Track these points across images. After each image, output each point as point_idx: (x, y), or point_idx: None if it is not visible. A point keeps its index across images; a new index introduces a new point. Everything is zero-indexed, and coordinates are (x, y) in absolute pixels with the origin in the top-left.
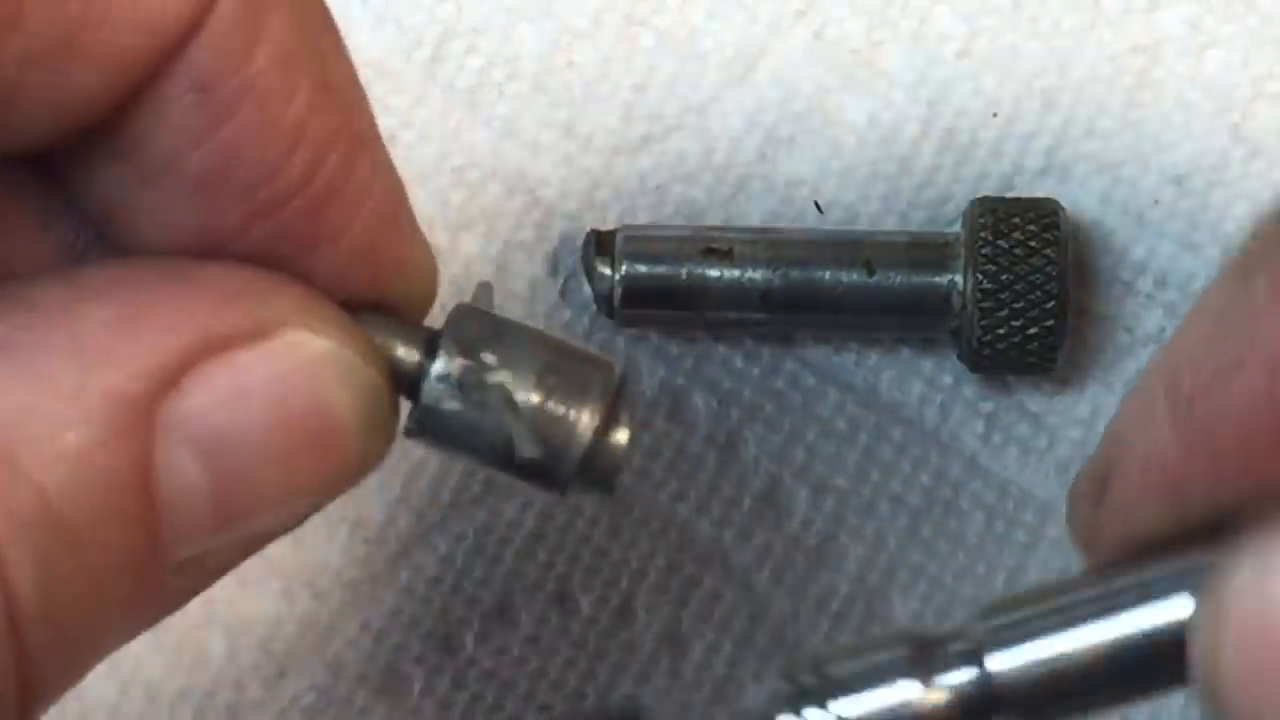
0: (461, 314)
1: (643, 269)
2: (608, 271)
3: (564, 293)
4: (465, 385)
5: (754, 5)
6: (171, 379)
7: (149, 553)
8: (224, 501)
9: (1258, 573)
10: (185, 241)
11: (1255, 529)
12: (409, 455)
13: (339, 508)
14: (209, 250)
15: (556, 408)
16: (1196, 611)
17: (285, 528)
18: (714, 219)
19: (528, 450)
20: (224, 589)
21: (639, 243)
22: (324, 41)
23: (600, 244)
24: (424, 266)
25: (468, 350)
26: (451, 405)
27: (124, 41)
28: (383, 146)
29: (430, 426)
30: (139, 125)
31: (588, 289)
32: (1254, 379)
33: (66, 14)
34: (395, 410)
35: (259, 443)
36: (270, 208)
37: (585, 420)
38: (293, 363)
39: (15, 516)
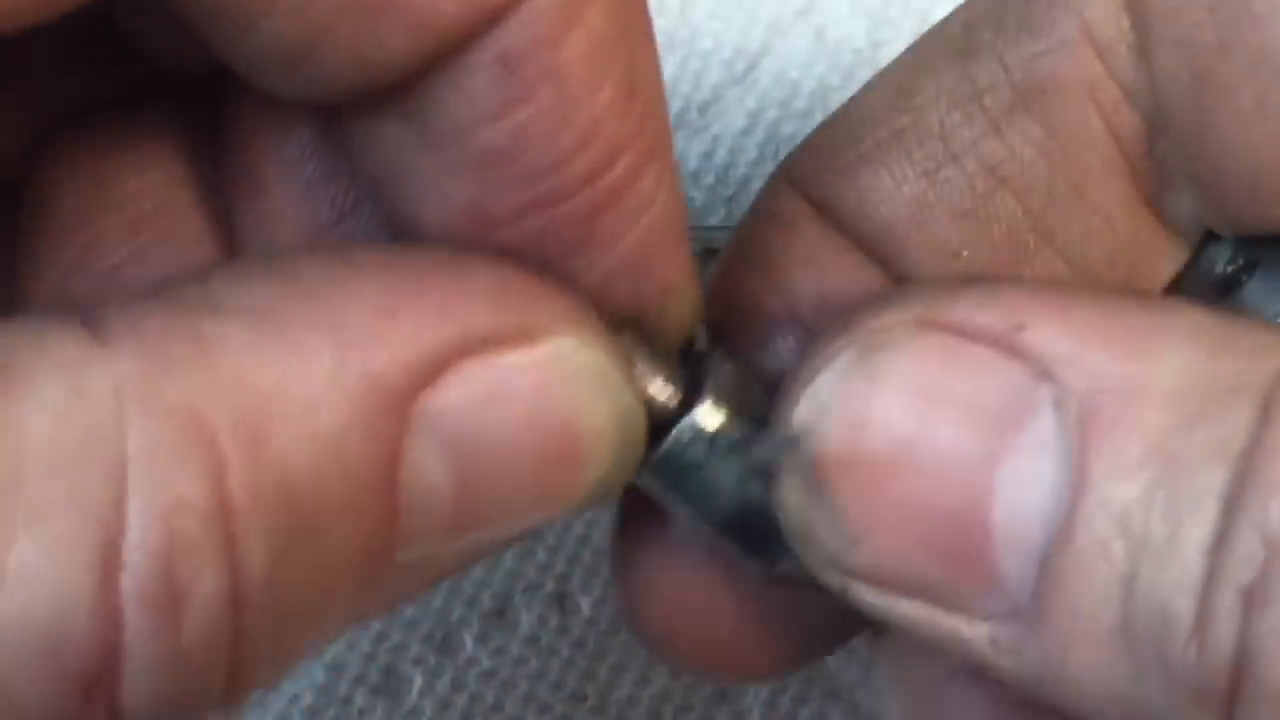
0: (722, 369)
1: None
2: None
3: None
4: (718, 444)
5: (755, 5)
6: (431, 373)
7: (380, 550)
8: (464, 506)
9: (858, 363)
10: (455, 220)
11: (854, 324)
12: None
13: None
14: (477, 233)
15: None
16: (789, 404)
17: (509, 542)
18: (714, 219)
19: (787, 562)
20: None
21: None
22: (637, 41)
23: None
24: (688, 295)
25: (730, 407)
26: (696, 458)
27: (443, 7)
28: (672, 161)
29: (665, 471)
30: (437, 90)
31: None
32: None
33: None
34: (646, 443)
35: (510, 451)
36: (549, 199)
37: None
38: (557, 372)
39: (258, 495)
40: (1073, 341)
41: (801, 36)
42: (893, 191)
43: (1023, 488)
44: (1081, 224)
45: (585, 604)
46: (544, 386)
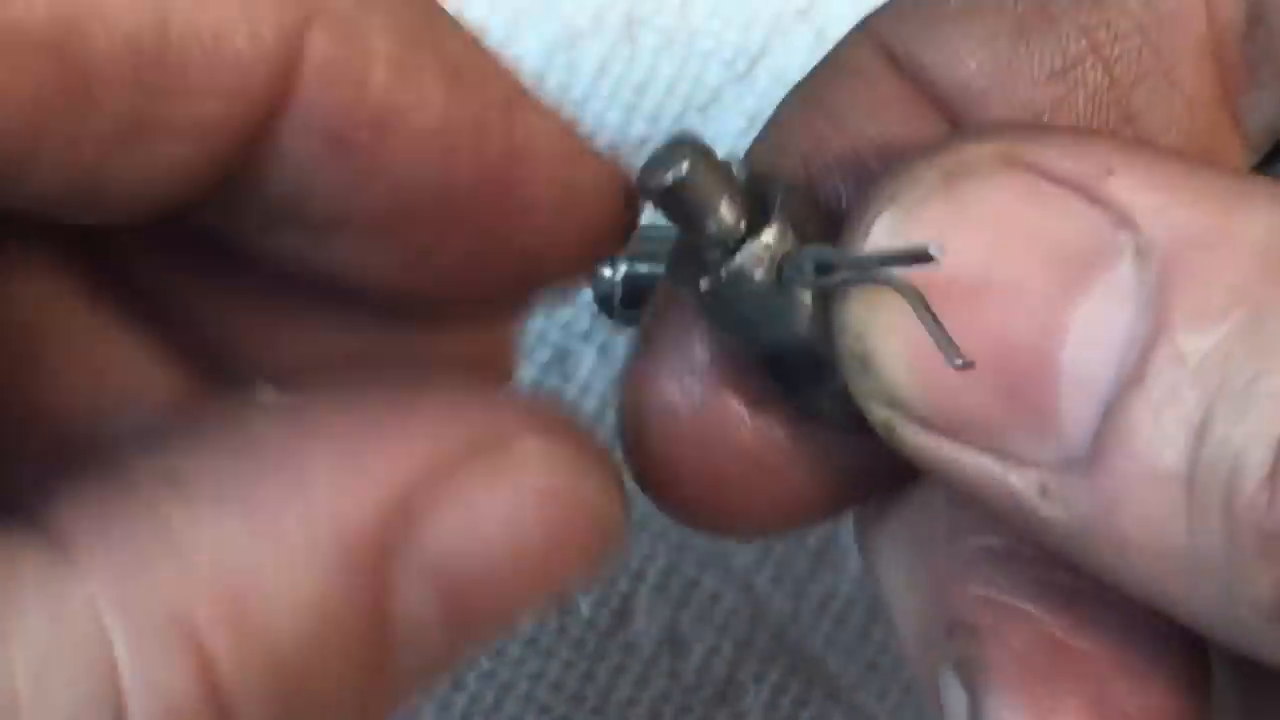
0: (790, 193)
1: (643, 269)
2: (608, 272)
3: (564, 292)
4: (784, 268)
5: (755, 5)
6: (404, 513)
7: (376, 687)
8: (458, 625)
9: (943, 186)
10: (381, 276)
11: (945, 148)
12: None
13: None
14: (409, 278)
15: None
16: (870, 210)
17: (513, 627)
18: None
19: (830, 402)
20: None
21: (639, 243)
22: (434, 26)
23: None
24: (612, 178)
25: (798, 232)
26: (762, 281)
27: (209, 109)
28: (527, 92)
29: (726, 294)
30: (284, 181)
31: (588, 289)
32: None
33: (138, 88)
34: (624, 497)
35: (497, 562)
36: (457, 216)
37: None
38: (529, 474)
39: (248, 677)
40: (1159, 194)
41: (801, 36)
42: (982, 47)
43: (1096, 330)
44: (1165, 106)
45: (585, 605)
46: (519, 491)
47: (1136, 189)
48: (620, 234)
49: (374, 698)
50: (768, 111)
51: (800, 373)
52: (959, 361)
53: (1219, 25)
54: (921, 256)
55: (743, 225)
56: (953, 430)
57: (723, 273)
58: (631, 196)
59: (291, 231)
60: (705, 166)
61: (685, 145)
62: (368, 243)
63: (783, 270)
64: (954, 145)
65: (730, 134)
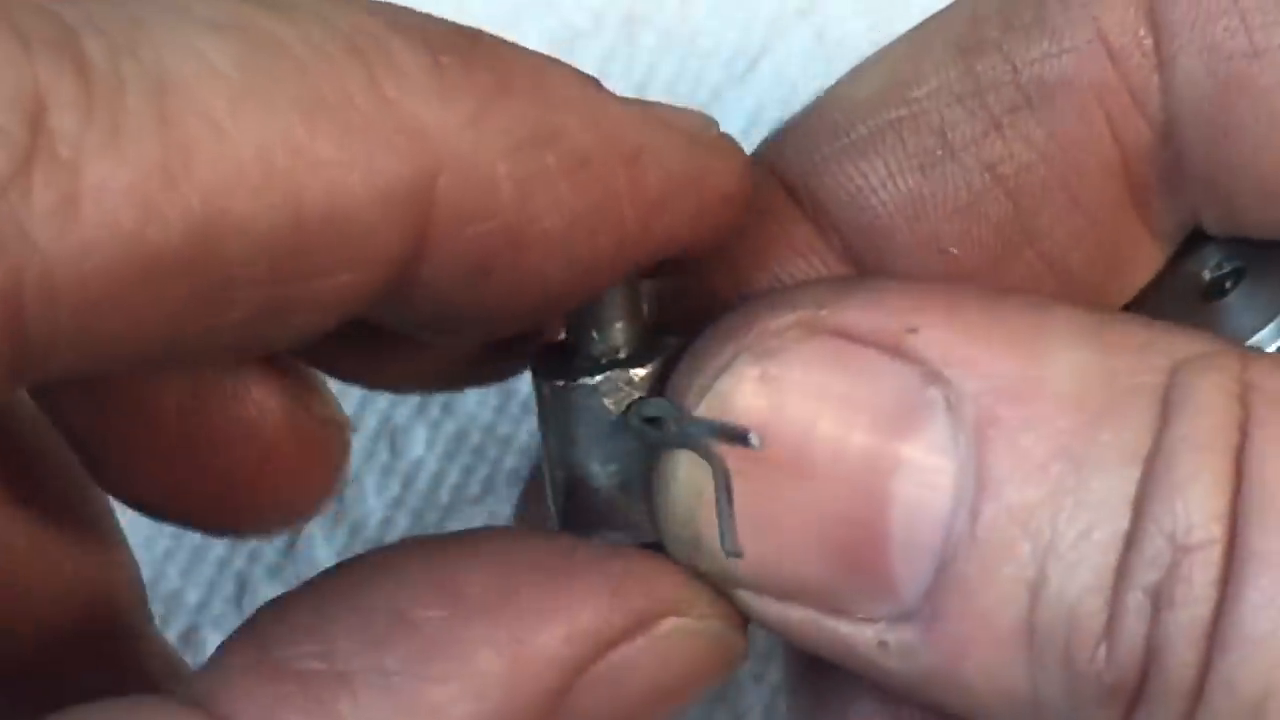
0: (674, 348)
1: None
2: None
3: None
4: (630, 410)
5: (755, 4)
6: (564, 692)
7: None
8: None
9: (753, 368)
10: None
11: (747, 327)
12: (407, 455)
13: (338, 508)
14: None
15: None
16: (698, 409)
17: None
18: None
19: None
20: (222, 593)
21: None
22: (551, 115)
23: None
24: (736, 170)
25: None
26: (605, 408)
27: (340, 280)
28: (646, 125)
29: (568, 401)
30: (425, 309)
31: None
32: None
33: (273, 281)
34: (745, 638)
35: (631, 716)
36: (591, 277)
37: None
38: (673, 648)
39: None
40: (962, 343)
41: (801, 36)
42: (885, 183)
43: (920, 491)
44: (1068, 225)
45: None
46: (663, 666)
47: (939, 340)
48: (739, 214)
49: None
50: (768, 111)
51: (596, 513)
52: (732, 548)
53: (1127, 145)
54: (743, 438)
55: (622, 354)
56: (787, 596)
57: (577, 380)
58: (749, 176)
59: (425, 332)
60: (621, 286)
61: (634, 281)
62: (500, 326)
63: (628, 411)
64: (763, 315)
65: (730, 134)
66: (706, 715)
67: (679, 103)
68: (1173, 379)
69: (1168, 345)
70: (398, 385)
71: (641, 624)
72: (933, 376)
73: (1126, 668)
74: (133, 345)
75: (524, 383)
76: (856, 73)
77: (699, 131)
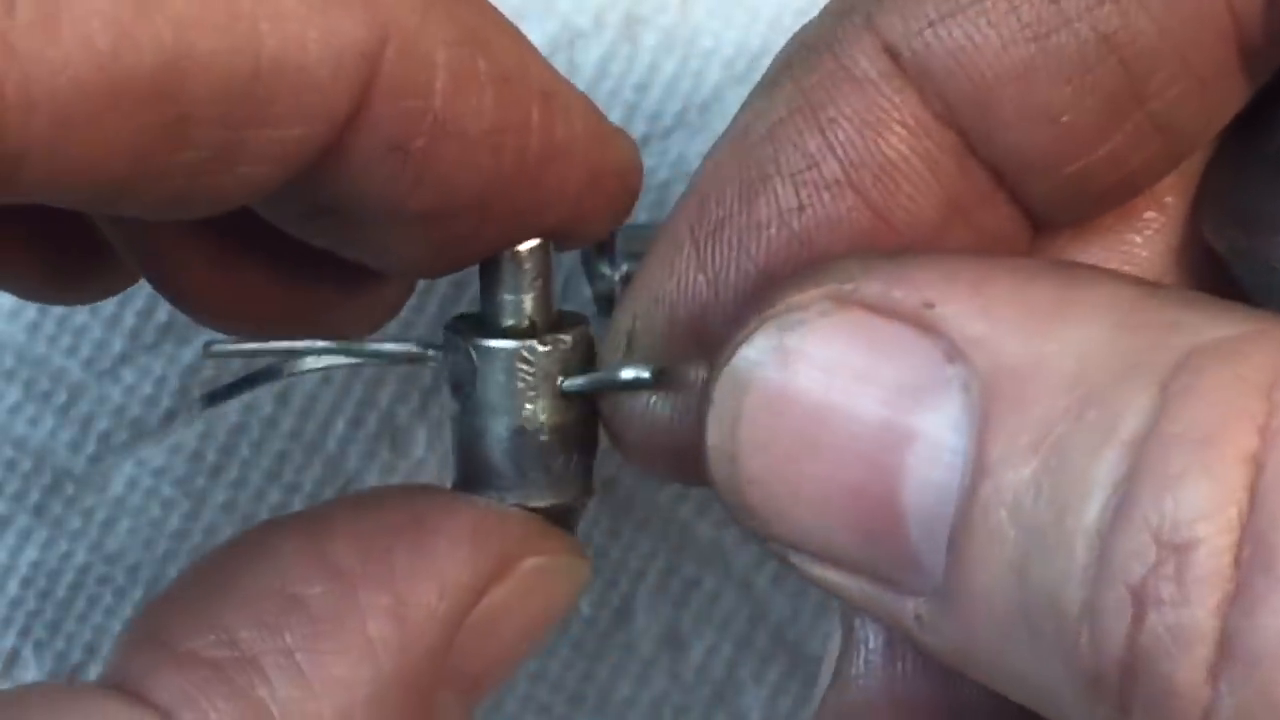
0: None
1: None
2: (608, 271)
3: (564, 293)
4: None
5: (755, 4)
6: (448, 645)
7: None
8: (471, 702)
9: (777, 340)
10: (403, 260)
11: (773, 299)
12: (408, 455)
13: None
14: (431, 260)
15: None
16: (712, 381)
17: None
18: None
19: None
20: None
21: (639, 243)
22: (486, 28)
23: (600, 244)
24: (631, 159)
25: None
26: (498, 378)
27: (289, 133)
28: (559, 80)
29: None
30: (340, 185)
31: (588, 289)
32: (777, 193)
33: (228, 123)
34: (589, 565)
35: (505, 657)
36: (495, 208)
37: None
38: (534, 587)
39: None
40: (981, 320)
41: None
42: (999, 52)
43: (931, 468)
44: (1179, 87)
45: (585, 604)
46: (526, 604)
47: (960, 315)
48: (632, 204)
49: None
50: None
51: (492, 473)
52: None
53: (1238, 9)
54: (643, 383)
55: (526, 324)
56: (835, 563)
57: (481, 342)
58: (640, 172)
59: (331, 221)
60: (532, 255)
61: (546, 248)
62: (402, 233)
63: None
64: (788, 290)
65: None
66: (707, 715)
67: (679, 103)
68: (1184, 362)
69: (1195, 325)
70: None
71: (504, 568)
72: (954, 353)
73: (1109, 662)
74: (95, 170)
75: None
76: None
77: (599, 114)
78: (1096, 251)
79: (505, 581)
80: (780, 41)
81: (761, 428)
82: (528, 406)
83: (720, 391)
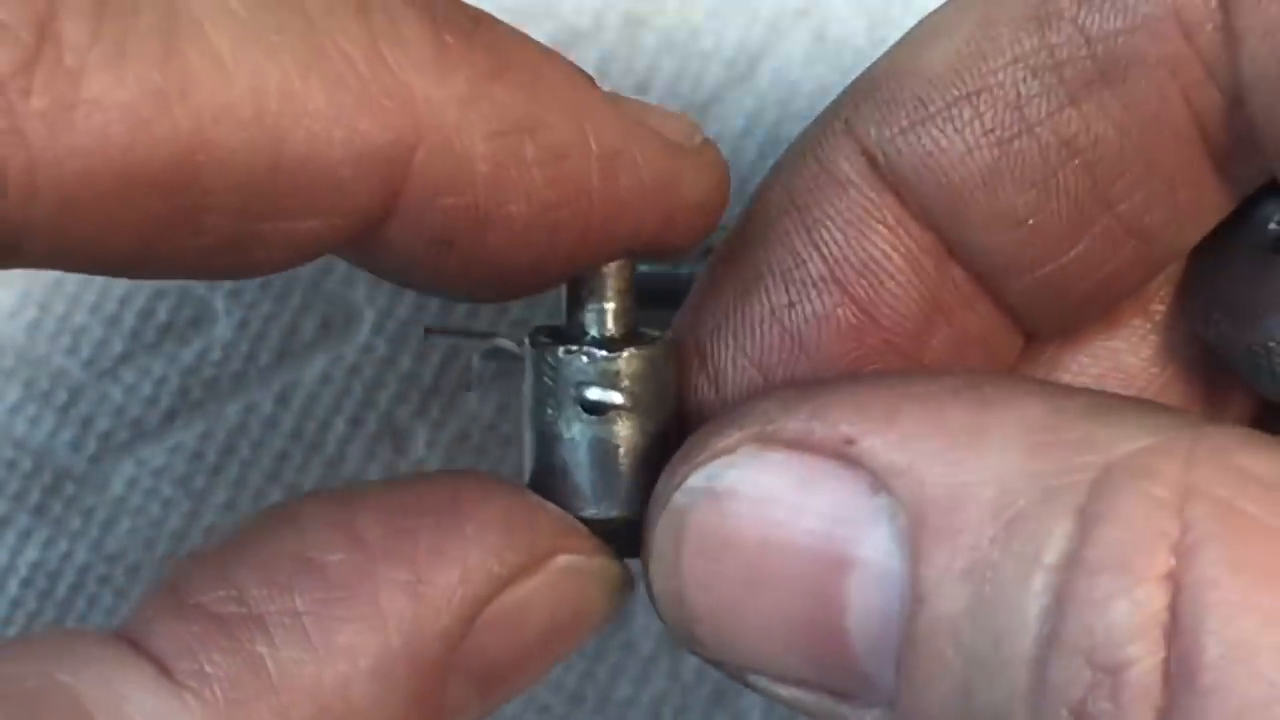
0: (663, 350)
1: (643, 269)
2: None
3: None
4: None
5: (755, 5)
6: (463, 630)
7: None
8: (491, 701)
9: (706, 484)
10: (491, 296)
11: (701, 446)
12: (407, 456)
13: None
14: (522, 292)
15: None
16: (650, 528)
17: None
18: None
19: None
20: None
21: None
22: (536, 103)
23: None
24: (710, 184)
25: (636, 386)
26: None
27: (307, 225)
28: (625, 133)
29: (534, 363)
30: (385, 267)
31: None
32: (768, 290)
33: (244, 216)
34: (629, 575)
35: (529, 656)
36: (560, 258)
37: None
38: (564, 587)
39: None
40: (900, 451)
41: (801, 36)
42: (963, 157)
43: (871, 595)
44: (1145, 190)
45: None
46: (555, 602)
47: (879, 448)
48: (715, 222)
49: None
50: (768, 112)
51: (556, 476)
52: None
53: (1201, 113)
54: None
55: (605, 335)
56: (792, 683)
57: (550, 353)
58: (725, 186)
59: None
60: (614, 271)
61: (630, 265)
62: (458, 292)
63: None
64: (715, 434)
65: (731, 134)
66: (706, 716)
67: (679, 103)
68: (1098, 483)
69: (1106, 440)
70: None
71: (534, 561)
72: (878, 485)
73: None
74: (101, 251)
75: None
76: (928, 34)
77: (680, 138)
78: (1084, 360)
79: (534, 576)
80: (780, 42)
81: (702, 569)
82: (626, 417)
83: (659, 537)
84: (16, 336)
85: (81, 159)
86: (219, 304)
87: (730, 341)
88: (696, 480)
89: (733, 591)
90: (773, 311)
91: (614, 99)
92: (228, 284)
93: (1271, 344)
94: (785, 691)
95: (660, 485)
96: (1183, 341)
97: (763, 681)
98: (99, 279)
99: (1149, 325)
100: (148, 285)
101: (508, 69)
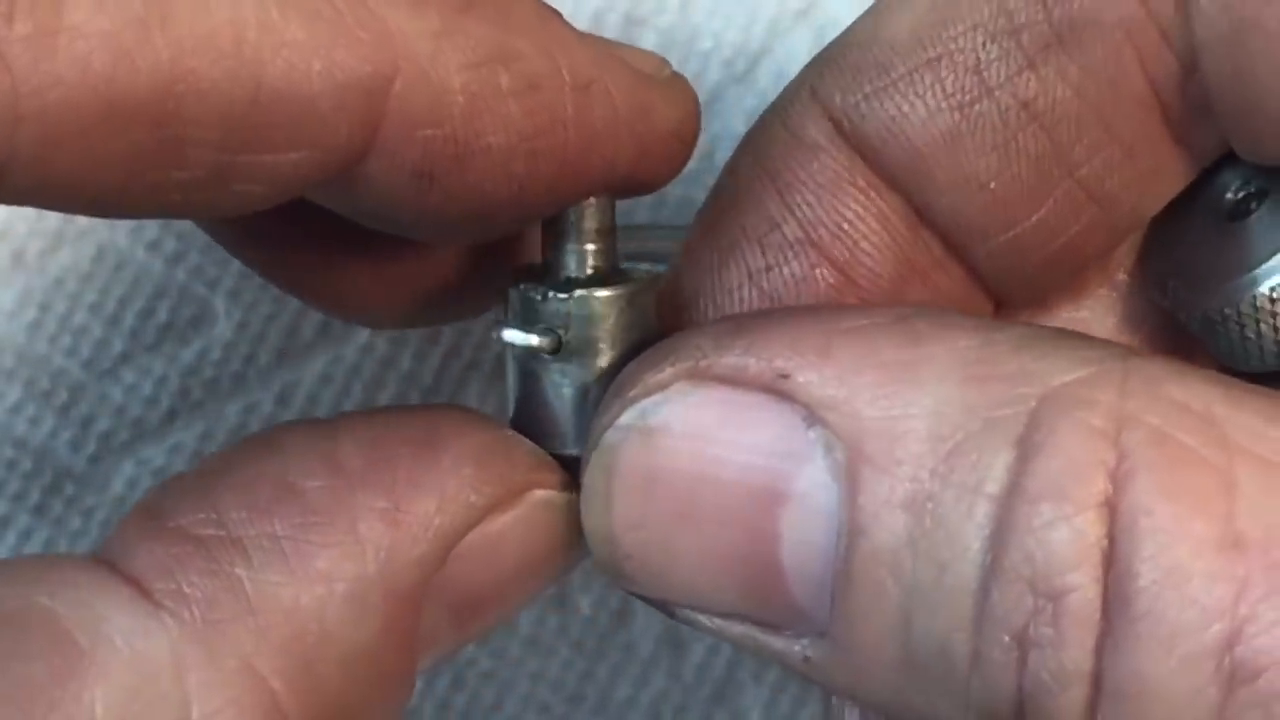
0: (640, 289)
1: (643, 268)
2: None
3: None
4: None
5: (755, 4)
6: (439, 559)
7: (403, 695)
8: (467, 631)
9: (639, 420)
10: (469, 236)
11: (633, 382)
12: None
13: None
14: (500, 231)
15: None
16: (582, 466)
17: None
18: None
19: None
20: None
21: (638, 242)
22: (509, 35)
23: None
24: (682, 114)
25: (616, 323)
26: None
27: (287, 158)
28: (597, 62)
29: (516, 298)
30: (366, 203)
31: None
32: (744, 255)
33: (224, 147)
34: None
35: (504, 589)
36: (539, 192)
37: None
38: (538, 521)
39: (306, 712)
40: (834, 385)
41: (801, 36)
42: (925, 121)
43: (805, 528)
44: (1104, 154)
45: (585, 604)
46: (529, 535)
47: (813, 382)
48: (688, 154)
49: (397, 708)
50: None
51: (539, 418)
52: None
53: (1156, 78)
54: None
55: (587, 274)
56: (719, 615)
57: (515, 290)
58: (696, 118)
59: (372, 224)
60: (591, 208)
61: (606, 203)
62: (441, 232)
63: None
64: (648, 369)
65: (730, 134)
66: (706, 715)
67: None
68: (1036, 414)
69: (1041, 372)
70: (376, 315)
71: (509, 494)
72: (812, 419)
73: (1000, 705)
74: (83, 184)
75: None
76: (891, 3)
77: (650, 70)
78: (1053, 325)
79: (509, 509)
80: (780, 42)
81: (633, 505)
82: (599, 357)
83: (590, 475)
84: (16, 336)
85: (64, 88)
86: (219, 304)
87: (710, 306)
88: (629, 417)
89: (664, 527)
90: (750, 275)
91: (583, 34)
92: (228, 284)
93: (1228, 310)
94: (713, 623)
95: (594, 422)
96: (1147, 310)
97: (691, 615)
98: (99, 279)
99: (1114, 295)
100: (148, 285)
101: (477, 2)
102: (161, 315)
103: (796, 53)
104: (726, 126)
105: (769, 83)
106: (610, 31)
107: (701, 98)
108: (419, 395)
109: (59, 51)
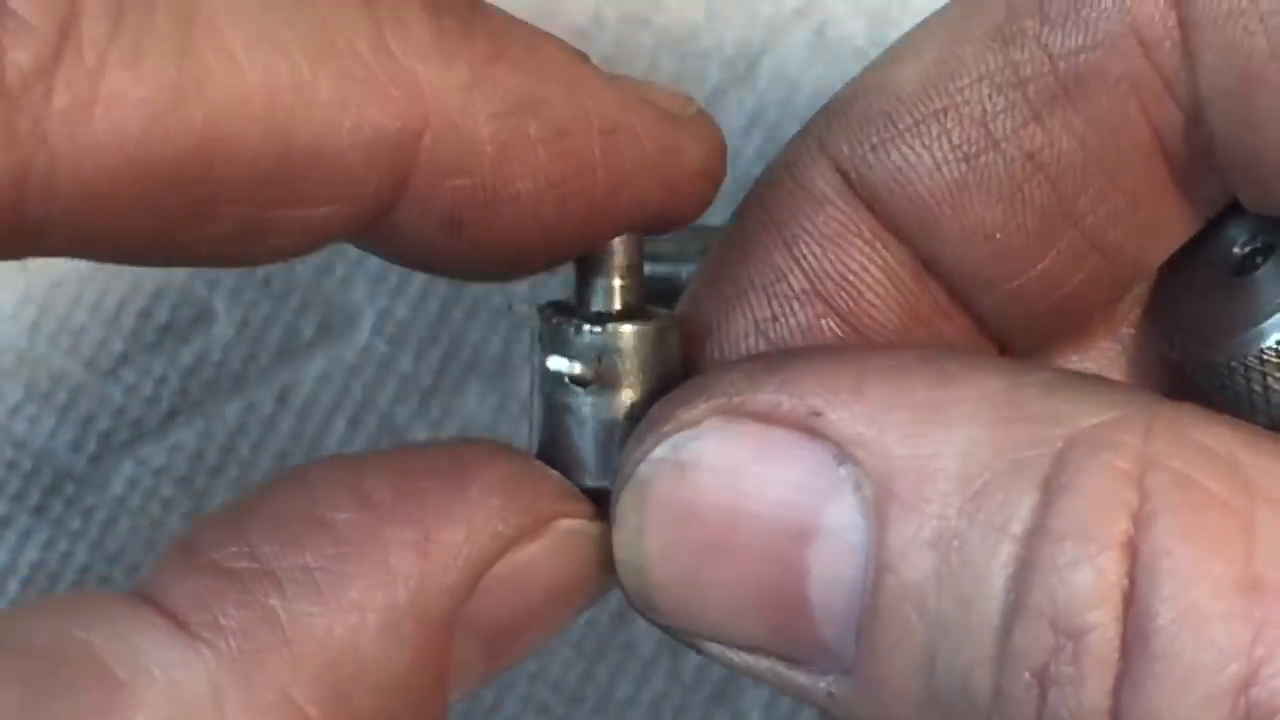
0: (662, 329)
1: (661, 269)
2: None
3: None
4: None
5: (755, 4)
6: (468, 589)
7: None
8: (496, 661)
9: (672, 454)
10: (499, 275)
11: (666, 417)
12: None
13: None
14: (528, 271)
15: None
16: (614, 498)
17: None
18: (714, 219)
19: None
20: None
21: (658, 243)
22: (537, 83)
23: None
24: (708, 153)
25: (636, 362)
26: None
27: (317, 212)
28: (625, 105)
29: (542, 332)
30: (396, 249)
31: None
32: (751, 305)
33: (254, 204)
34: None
35: (533, 618)
36: (568, 234)
37: None
38: (566, 551)
39: None
40: (865, 423)
41: (801, 36)
42: (932, 172)
43: (834, 564)
44: (1109, 205)
45: None
46: (558, 565)
47: (845, 421)
48: (714, 191)
49: None
50: (768, 111)
51: (560, 448)
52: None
53: (1161, 129)
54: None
55: (611, 310)
56: (746, 650)
57: (546, 324)
58: (722, 155)
59: (402, 265)
60: (620, 248)
61: (636, 241)
62: (472, 273)
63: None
64: (681, 405)
65: (730, 134)
66: (706, 715)
67: None
68: (1062, 456)
69: (1068, 414)
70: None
71: (536, 524)
72: (842, 456)
73: None
74: (117, 241)
75: (524, 382)
76: (898, 54)
77: (676, 110)
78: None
79: (537, 539)
80: (780, 42)
81: (665, 538)
82: (625, 391)
83: (622, 507)
84: (16, 337)
85: (100, 155)
86: (219, 304)
87: (716, 356)
88: (662, 451)
89: (695, 560)
90: (757, 325)
91: (610, 76)
92: (228, 284)
93: (1235, 364)
94: (739, 658)
95: (626, 455)
96: (1153, 364)
97: (717, 649)
98: (99, 279)
99: (1119, 348)
100: (148, 285)
101: (507, 52)
102: (161, 315)
103: (796, 53)
104: (726, 126)
105: (769, 83)
106: (610, 31)
107: (701, 98)
108: (418, 395)
109: (95, 121)
